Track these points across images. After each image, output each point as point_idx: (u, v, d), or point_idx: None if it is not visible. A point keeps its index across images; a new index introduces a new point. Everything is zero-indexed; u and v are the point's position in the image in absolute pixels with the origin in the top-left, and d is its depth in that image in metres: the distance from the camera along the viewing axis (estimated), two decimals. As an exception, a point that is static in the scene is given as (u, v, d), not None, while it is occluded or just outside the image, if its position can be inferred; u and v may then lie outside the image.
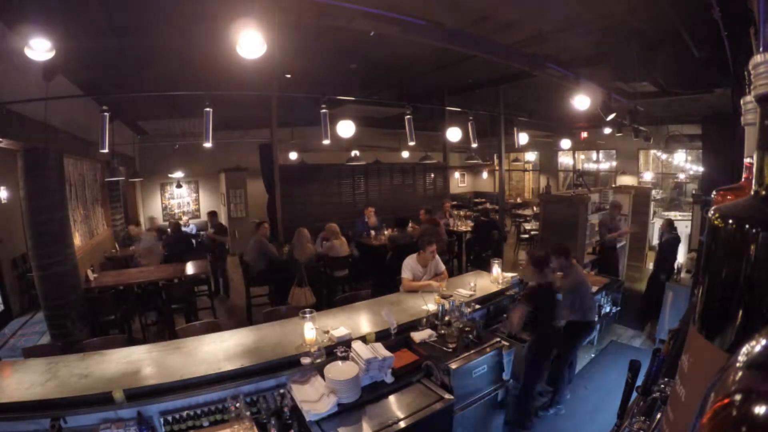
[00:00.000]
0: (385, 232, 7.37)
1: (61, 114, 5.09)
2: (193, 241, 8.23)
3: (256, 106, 7.89)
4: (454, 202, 11.54)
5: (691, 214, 7.65)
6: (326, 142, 4.53)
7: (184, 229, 8.29)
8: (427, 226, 6.88)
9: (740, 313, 0.52)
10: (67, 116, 5.41)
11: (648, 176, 11.03)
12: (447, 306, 3.47)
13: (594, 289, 4.70)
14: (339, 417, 2.46)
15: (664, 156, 11.27)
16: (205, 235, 8.40)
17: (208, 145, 3.90)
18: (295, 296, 5.13)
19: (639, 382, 1.31)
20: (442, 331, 3.17)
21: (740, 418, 0.31)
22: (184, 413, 2.47)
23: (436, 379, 2.86)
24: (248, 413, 2.47)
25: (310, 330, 2.88)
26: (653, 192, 8.69)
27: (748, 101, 1.00)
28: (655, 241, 7.85)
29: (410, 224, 7.61)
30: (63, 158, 5.10)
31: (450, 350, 2.99)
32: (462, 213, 10.41)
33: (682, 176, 10.95)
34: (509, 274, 4.55)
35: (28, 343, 5.31)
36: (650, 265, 7.71)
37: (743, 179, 0.95)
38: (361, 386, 2.64)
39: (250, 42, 2.52)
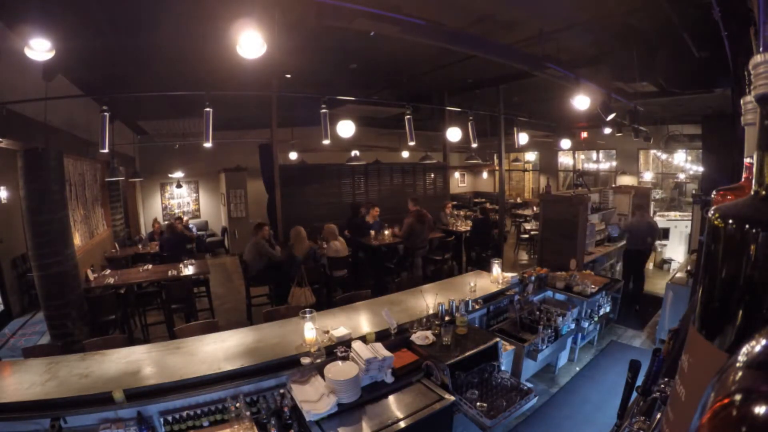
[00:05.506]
0: (386, 232, 7.38)
1: (61, 114, 5.10)
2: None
3: (256, 106, 7.89)
4: (454, 202, 11.56)
5: (691, 214, 7.64)
6: (326, 142, 4.53)
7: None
8: (412, 221, 6.80)
9: (740, 313, 0.52)
10: (67, 116, 5.41)
11: (648, 176, 11.04)
12: (447, 306, 3.47)
13: (594, 288, 4.67)
14: (339, 417, 2.46)
15: (664, 156, 11.28)
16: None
17: (208, 145, 3.90)
18: (295, 296, 5.12)
19: (639, 382, 1.31)
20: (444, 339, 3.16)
21: (740, 418, 0.31)
22: (184, 413, 2.47)
23: (436, 379, 2.86)
24: (248, 413, 2.47)
25: (310, 330, 2.88)
26: (653, 192, 8.67)
27: (748, 101, 1.00)
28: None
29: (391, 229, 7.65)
30: (63, 158, 5.10)
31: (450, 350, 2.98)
32: (462, 213, 10.42)
33: (682, 176, 10.95)
34: (509, 274, 4.56)
35: (28, 343, 5.31)
36: (650, 265, 7.72)
37: (743, 179, 0.95)
38: (361, 386, 2.64)
39: (250, 42, 2.53)
